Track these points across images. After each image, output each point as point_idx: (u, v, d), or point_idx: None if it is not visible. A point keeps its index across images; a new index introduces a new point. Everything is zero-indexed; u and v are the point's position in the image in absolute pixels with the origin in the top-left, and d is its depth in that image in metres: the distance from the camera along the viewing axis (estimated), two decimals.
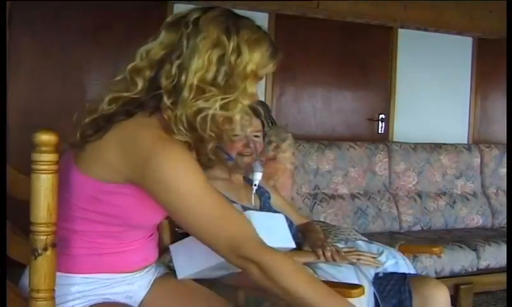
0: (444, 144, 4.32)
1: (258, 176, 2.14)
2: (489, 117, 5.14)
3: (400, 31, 4.77)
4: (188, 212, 1.32)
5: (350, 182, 3.89)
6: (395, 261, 2.20)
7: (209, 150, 1.44)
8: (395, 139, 4.68)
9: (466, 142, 4.92)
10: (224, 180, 2.23)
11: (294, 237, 2.26)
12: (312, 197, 3.72)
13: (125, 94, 1.38)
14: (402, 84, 4.80)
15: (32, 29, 3.83)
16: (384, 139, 4.65)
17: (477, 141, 4.89)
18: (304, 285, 1.34)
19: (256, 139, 2.24)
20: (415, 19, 4.75)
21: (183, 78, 1.34)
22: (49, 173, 1.27)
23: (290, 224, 2.31)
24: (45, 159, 1.26)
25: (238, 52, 1.36)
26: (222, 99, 1.35)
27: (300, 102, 4.56)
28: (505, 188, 4.41)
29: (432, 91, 4.84)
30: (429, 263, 3.41)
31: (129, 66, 1.39)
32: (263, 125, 2.31)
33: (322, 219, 3.50)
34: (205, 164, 1.48)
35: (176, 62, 1.34)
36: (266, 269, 1.31)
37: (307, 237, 2.26)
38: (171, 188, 1.31)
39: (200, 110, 1.34)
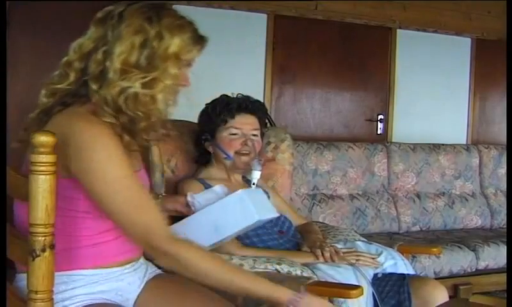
0: (443, 144, 4.32)
1: (256, 175, 2.14)
2: (488, 117, 5.14)
3: (399, 32, 4.78)
4: (112, 199, 1.40)
5: (349, 183, 3.89)
6: (394, 262, 2.21)
7: (141, 130, 1.50)
8: (394, 140, 4.68)
9: (465, 142, 4.93)
10: (223, 180, 2.23)
11: (293, 238, 2.27)
12: (311, 198, 3.72)
13: (59, 86, 1.50)
14: (401, 85, 4.80)
15: (31, 30, 3.83)
16: (383, 139, 4.65)
17: (476, 142, 4.89)
18: (214, 267, 1.45)
19: (254, 138, 2.24)
20: (414, 20, 4.75)
21: (108, 63, 1.44)
22: (47, 174, 1.27)
23: (290, 225, 2.31)
24: (43, 160, 1.27)
25: (160, 36, 1.46)
26: (142, 78, 1.45)
27: (299, 103, 4.56)
28: (504, 189, 4.41)
29: (431, 91, 4.84)
30: (428, 263, 3.41)
31: (62, 60, 1.52)
32: (260, 124, 2.31)
33: (321, 220, 3.50)
34: (142, 144, 1.56)
35: (103, 49, 1.46)
36: (175, 260, 1.42)
37: (306, 238, 2.26)
38: (97, 176, 1.39)
39: (122, 90, 1.44)
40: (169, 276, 1.70)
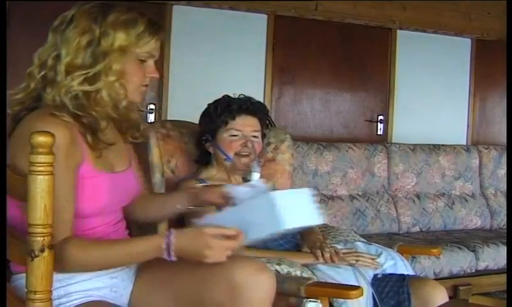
0: (443, 145, 4.32)
1: (255, 177, 2.13)
2: (488, 118, 5.14)
3: (399, 32, 4.78)
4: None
5: (349, 183, 3.89)
6: (393, 263, 2.20)
7: (102, 129, 1.51)
8: (394, 140, 4.68)
9: (464, 143, 4.92)
10: (222, 181, 2.22)
11: (293, 238, 2.27)
12: None
13: (19, 96, 1.53)
14: (401, 85, 4.80)
15: (31, 30, 3.82)
16: (383, 140, 4.65)
17: (476, 142, 4.89)
18: (91, 257, 1.43)
19: (254, 139, 2.24)
20: (414, 20, 4.75)
21: (58, 67, 1.47)
22: (46, 175, 1.27)
23: None
24: (42, 161, 1.27)
25: (105, 34, 1.48)
26: (83, 74, 1.46)
27: (299, 103, 4.56)
28: (503, 190, 4.41)
29: (431, 92, 4.84)
30: (428, 264, 3.41)
31: (27, 72, 1.55)
32: (261, 125, 2.31)
33: None
34: (107, 143, 1.53)
35: (52, 55, 1.49)
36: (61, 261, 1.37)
37: (306, 238, 2.25)
38: None
39: (67, 89, 1.46)
40: (157, 261, 1.69)
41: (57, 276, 1.42)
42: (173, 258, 1.42)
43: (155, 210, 1.78)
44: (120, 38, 1.48)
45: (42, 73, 1.51)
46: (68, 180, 1.41)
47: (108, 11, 1.50)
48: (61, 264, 1.36)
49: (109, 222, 1.58)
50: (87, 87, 1.47)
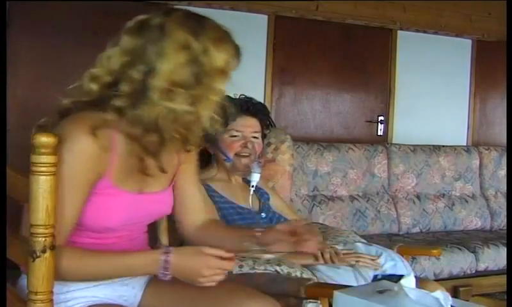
0: (443, 146, 4.32)
1: (255, 178, 2.15)
2: (488, 119, 5.14)
3: (400, 33, 4.78)
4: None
5: (349, 184, 3.89)
6: (393, 263, 2.20)
7: (176, 151, 1.47)
8: (394, 141, 4.68)
9: (465, 144, 4.93)
10: (223, 181, 2.23)
11: None
12: (311, 199, 3.72)
13: (80, 100, 1.42)
14: (402, 86, 4.80)
15: (31, 32, 3.83)
16: (384, 140, 4.65)
17: (476, 143, 4.89)
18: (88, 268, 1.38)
19: (254, 140, 2.24)
20: (414, 21, 4.76)
21: (150, 81, 1.34)
22: (48, 175, 1.27)
23: None
24: (44, 161, 1.27)
25: (205, 51, 1.37)
26: (190, 96, 1.36)
27: (299, 104, 4.56)
28: (504, 191, 4.41)
29: (432, 93, 4.84)
30: (428, 265, 3.41)
31: (87, 73, 1.43)
32: (262, 126, 2.31)
33: (321, 221, 3.50)
34: (163, 169, 1.47)
35: (141, 67, 1.35)
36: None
37: None
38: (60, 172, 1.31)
39: (168, 111, 1.36)
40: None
41: (65, 282, 1.42)
42: (168, 277, 1.40)
43: (230, 244, 1.61)
44: (222, 57, 1.39)
45: (111, 79, 1.39)
46: (78, 191, 1.36)
47: (203, 23, 1.40)
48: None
49: (124, 236, 1.53)
50: (191, 109, 1.37)
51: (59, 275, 1.34)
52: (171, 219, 2.14)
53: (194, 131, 1.43)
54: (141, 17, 1.43)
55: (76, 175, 1.35)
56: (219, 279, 1.40)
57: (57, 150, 1.30)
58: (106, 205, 1.43)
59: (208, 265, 1.39)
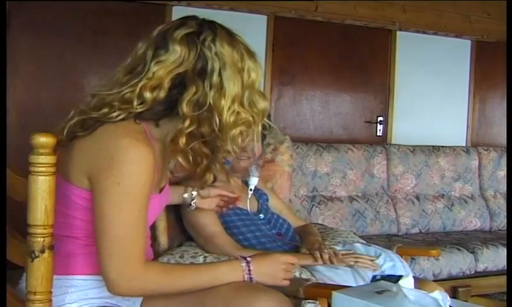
0: (442, 146, 4.32)
1: (254, 181, 2.15)
2: (487, 119, 5.15)
3: (399, 34, 4.78)
4: (116, 223, 1.34)
5: (348, 185, 3.89)
6: (392, 264, 2.20)
7: (216, 161, 1.49)
8: (393, 142, 4.68)
9: (464, 144, 4.93)
10: (221, 182, 2.22)
11: (292, 240, 2.27)
12: (310, 200, 3.72)
13: (131, 109, 1.39)
14: (401, 87, 4.81)
15: (31, 32, 3.83)
16: (383, 141, 4.66)
17: (476, 144, 4.90)
18: (173, 284, 1.44)
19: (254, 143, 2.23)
20: (414, 22, 4.76)
21: (221, 103, 1.37)
22: (47, 175, 1.27)
23: (288, 227, 2.31)
24: (43, 161, 1.27)
25: (249, 72, 1.41)
26: (252, 116, 1.42)
27: (298, 105, 4.56)
28: (503, 191, 4.41)
29: (431, 93, 4.85)
30: (427, 265, 3.41)
31: (141, 83, 1.38)
32: (263, 129, 2.30)
33: (320, 222, 3.50)
34: (212, 180, 1.53)
35: (205, 90, 1.37)
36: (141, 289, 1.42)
37: (305, 240, 2.26)
38: (116, 196, 1.32)
39: (241, 132, 1.41)
40: None
41: (70, 282, 1.43)
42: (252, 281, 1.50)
43: None
44: (258, 78, 1.45)
45: (165, 94, 1.38)
46: (145, 214, 1.39)
47: (243, 43, 1.45)
48: (138, 290, 1.40)
49: None
50: (248, 130, 1.44)
51: (148, 291, 1.42)
52: (170, 220, 2.15)
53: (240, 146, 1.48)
54: (189, 28, 1.44)
55: (143, 185, 1.36)
56: (291, 274, 1.58)
57: (109, 165, 1.32)
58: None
59: (285, 270, 1.55)
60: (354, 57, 4.69)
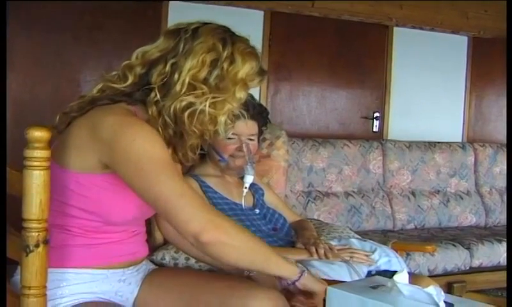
0: (438, 142, 4.33)
1: (249, 179, 2.14)
2: (483, 115, 5.15)
3: (396, 30, 4.78)
4: (158, 187, 1.37)
5: (344, 180, 3.90)
6: (388, 259, 2.21)
7: (189, 146, 1.52)
8: (389, 138, 4.69)
9: (460, 140, 4.94)
10: (217, 177, 2.23)
11: (287, 235, 2.27)
12: (306, 195, 3.72)
13: (115, 85, 1.48)
14: (397, 83, 4.81)
15: (27, 28, 3.82)
16: (379, 137, 4.66)
17: (472, 140, 4.91)
18: (248, 253, 1.47)
19: (250, 141, 2.23)
20: (411, 18, 4.76)
21: (176, 75, 1.43)
22: (41, 169, 1.27)
23: (284, 222, 2.31)
24: (38, 155, 1.27)
25: (231, 59, 1.47)
26: (213, 97, 1.44)
27: (295, 100, 4.56)
28: (499, 187, 4.43)
29: (428, 89, 4.85)
30: (422, 261, 3.42)
31: (124, 63, 1.49)
32: (259, 127, 2.30)
33: (315, 217, 3.51)
34: (181, 160, 1.56)
35: (171, 61, 1.44)
36: (214, 248, 1.41)
37: (300, 235, 2.26)
38: (141, 159, 1.36)
39: (189, 105, 1.43)
40: (166, 270, 1.71)
41: (62, 275, 1.43)
42: (290, 287, 1.55)
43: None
44: (245, 69, 1.49)
45: (143, 71, 1.48)
46: (173, 166, 1.43)
47: (235, 36, 1.51)
48: (224, 240, 1.40)
49: (129, 230, 1.56)
50: (212, 111, 1.46)
51: (229, 249, 1.42)
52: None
53: (209, 131, 1.50)
54: (181, 23, 1.52)
55: (156, 135, 1.41)
56: None
57: (114, 134, 1.36)
58: (126, 198, 1.45)
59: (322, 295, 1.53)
60: (351, 53, 4.69)
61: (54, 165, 1.34)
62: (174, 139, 1.49)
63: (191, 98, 1.43)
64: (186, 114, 1.43)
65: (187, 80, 1.42)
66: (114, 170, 1.39)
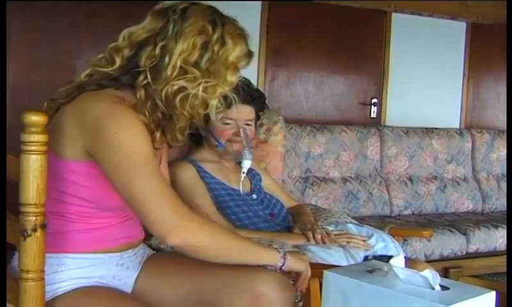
0: (436, 128, 4.33)
1: (246, 164, 2.15)
2: (481, 102, 5.15)
3: (394, 15, 4.76)
4: (133, 186, 1.36)
5: (341, 166, 3.90)
6: (384, 244, 2.22)
7: (178, 129, 1.50)
8: (387, 123, 4.68)
9: (458, 127, 4.94)
10: (215, 162, 2.23)
11: (284, 220, 2.28)
12: (303, 181, 3.73)
13: (102, 69, 1.46)
14: (395, 69, 4.79)
15: (23, 14, 3.79)
16: (377, 123, 4.65)
17: (469, 126, 4.91)
18: (222, 249, 1.47)
19: (247, 126, 2.23)
20: (410, 3, 4.73)
21: (166, 58, 1.41)
22: (39, 154, 1.27)
23: (281, 207, 2.32)
24: (35, 140, 1.26)
25: (222, 42, 1.45)
26: (205, 82, 1.43)
27: (292, 86, 4.55)
28: (495, 173, 4.44)
29: (425, 75, 4.84)
30: (419, 246, 3.44)
31: (110, 45, 1.47)
32: (256, 112, 2.30)
33: (313, 203, 3.52)
34: (169, 143, 1.55)
35: (160, 44, 1.42)
36: (185, 249, 1.42)
37: (297, 220, 2.27)
38: (121, 153, 1.35)
39: (181, 89, 1.42)
40: (165, 255, 1.71)
41: (60, 260, 1.44)
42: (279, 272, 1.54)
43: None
44: (236, 52, 1.47)
45: (131, 53, 1.45)
46: (155, 164, 1.42)
47: (224, 18, 1.49)
48: (192, 239, 1.40)
49: (122, 216, 1.55)
50: (205, 96, 1.45)
51: (199, 245, 1.41)
52: None
53: (199, 114, 1.49)
54: (168, 3, 1.49)
55: (139, 126, 1.38)
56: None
57: (98, 124, 1.35)
58: (111, 184, 1.43)
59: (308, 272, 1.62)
60: (349, 39, 4.67)
61: (50, 153, 1.34)
62: (163, 122, 1.47)
63: (182, 83, 1.41)
64: (178, 98, 1.42)
65: (178, 64, 1.41)
66: (96, 159, 1.39)
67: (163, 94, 1.42)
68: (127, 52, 1.46)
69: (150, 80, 1.42)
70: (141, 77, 1.42)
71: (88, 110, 1.38)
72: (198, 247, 1.41)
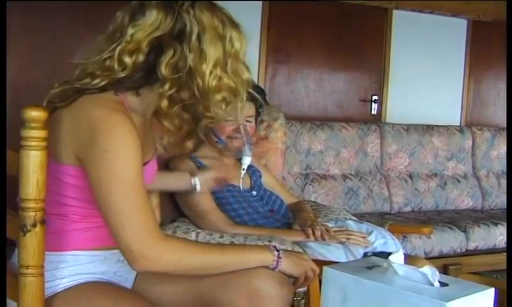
0: (436, 125, 4.34)
1: (246, 161, 2.15)
2: (482, 99, 5.15)
3: (395, 12, 4.76)
4: (114, 195, 1.32)
5: (342, 163, 3.91)
6: (384, 241, 2.22)
7: (201, 128, 1.48)
8: (387, 121, 4.68)
9: (458, 124, 4.94)
10: (215, 160, 2.23)
11: (284, 217, 2.28)
12: (304, 177, 3.73)
13: (112, 76, 1.39)
14: (396, 66, 4.79)
15: (23, 10, 3.79)
16: (377, 120, 4.65)
17: (470, 123, 4.90)
18: (196, 263, 1.42)
19: (247, 123, 2.23)
20: (410, 1, 4.73)
21: (202, 67, 1.36)
22: (38, 150, 1.27)
23: (281, 204, 2.32)
24: (35, 135, 1.26)
25: (231, 41, 1.41)
26: (235, 83, 1.41)
27: (293, 83, 4.55)
28: (496, 171, 4.45)
29: (426, 72, 4.84)
30: (419, 243, 3.44)
31: (119, 47, 1.39)
32: (257, 109, 2.30)
33: (313, 199, 3.52)
34: (190, 147, 1.53)
35: (184, 53, 1.36)
36: (156, 267, 1.38)
37: (297, 216, 2.27)
38: (107, 168, 1.31)
39: (224, 98, 1.40)
40: None
41: (61, 257, 1.43)
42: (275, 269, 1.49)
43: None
44: (243, 48, 1.45)
45: (143, 59, 1.37)
46: (142, 183, 1.37)
47: (223, 12, 1.43)
48: (162, 262, 1.36)
49: None
50: (233, 99, 1.43)
51: (170, 265, 1.38)
52: (163, 196, 2.15)
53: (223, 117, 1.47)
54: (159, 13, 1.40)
55: (131, 147, 1.33)
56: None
57: (92, 136, 1.31)
58: None
59: (312, 269, 1.56)
60: (350, 36, 4.67)
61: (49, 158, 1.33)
62: (187, 124, 1.45)
63: (225, 93, 1.40)
64: (220, 105, 1.40)
65: (219, 74, 1.38)
66: (84, 161, 1.36)
67: (202, 107, 1.40)
68: (140, 57, 1.38)
69: (175, 90, 1.37)
70: (166, 86, 1.37)
71: (83, 122, 1.34)
72: (162, 274, 1.42)
